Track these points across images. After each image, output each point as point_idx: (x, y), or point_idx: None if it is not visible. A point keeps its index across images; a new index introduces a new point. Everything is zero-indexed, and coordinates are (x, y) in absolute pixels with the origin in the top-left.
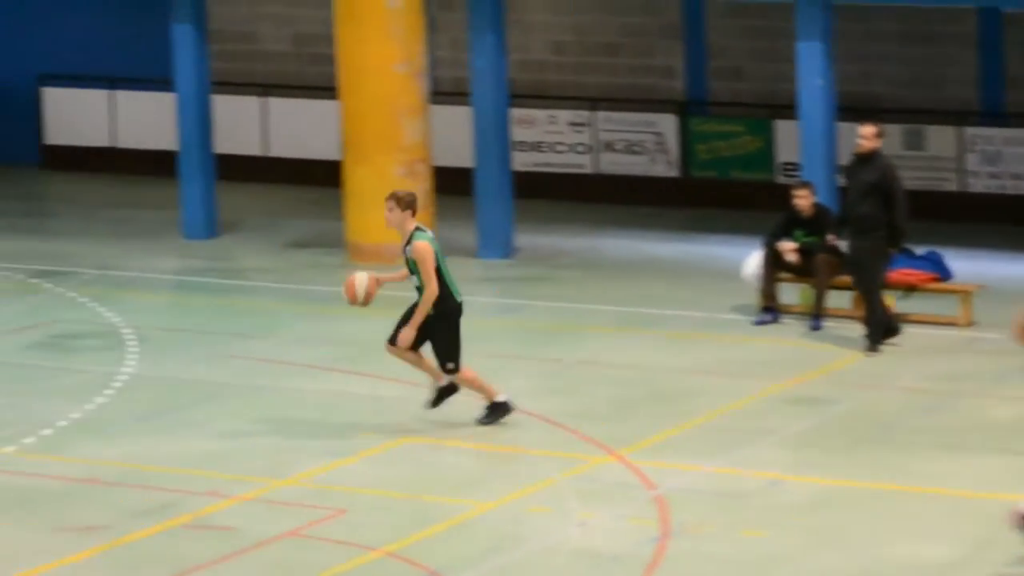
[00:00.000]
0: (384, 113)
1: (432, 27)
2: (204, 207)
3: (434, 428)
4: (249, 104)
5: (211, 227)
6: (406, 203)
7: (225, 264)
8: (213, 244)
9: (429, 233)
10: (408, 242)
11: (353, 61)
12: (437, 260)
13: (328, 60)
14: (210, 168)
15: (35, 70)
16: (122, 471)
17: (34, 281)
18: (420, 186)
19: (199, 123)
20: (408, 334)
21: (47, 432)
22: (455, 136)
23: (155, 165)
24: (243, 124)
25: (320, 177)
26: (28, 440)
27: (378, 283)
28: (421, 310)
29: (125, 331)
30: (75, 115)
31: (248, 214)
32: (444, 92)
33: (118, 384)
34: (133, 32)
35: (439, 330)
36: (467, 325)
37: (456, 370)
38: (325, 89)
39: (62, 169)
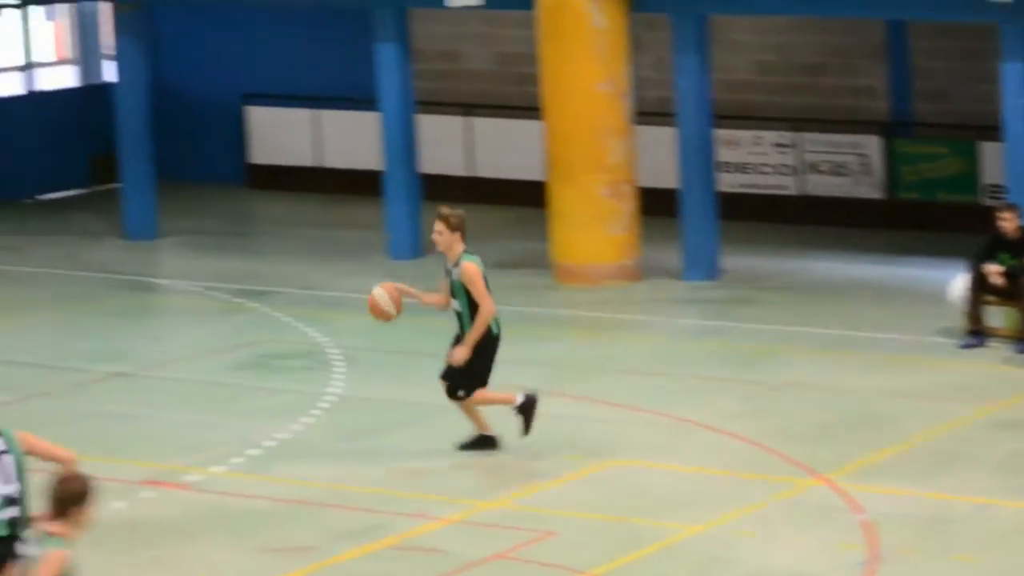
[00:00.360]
0: (588, 133)
1: (636, 47)
2: (409, 227)
3: (641, 450)
4: (453, 124)
5: (416, 247)
6: (455, 225)
7: (430, 285)
8: (418, 264)
9: (477, 256)
10: (455, 264)
11: (557, 81)
12: (485, 282)
13: (532, 80)
14: (415, 188)
15: (240, 89)
16: (329, 492)
17: (239, 301)
18: (625, 207)
19: (403, 143)
20: (463, 354)
21: (255, 452)
22: (660, 157)
23: (359, 185)
24: (447, 144)
25: (524, 197)
26: (236, 460)
27: (398, 289)
28: (478, 328)
29: (331, 351)
30: (279, 134)
31: None
32: (648, 112)
33: (325, 405)
34: (337, 52)
35: (472, 360)
36: (671, 347)
37: (465, 397)
38: (529, 109)
39: (266, 188)
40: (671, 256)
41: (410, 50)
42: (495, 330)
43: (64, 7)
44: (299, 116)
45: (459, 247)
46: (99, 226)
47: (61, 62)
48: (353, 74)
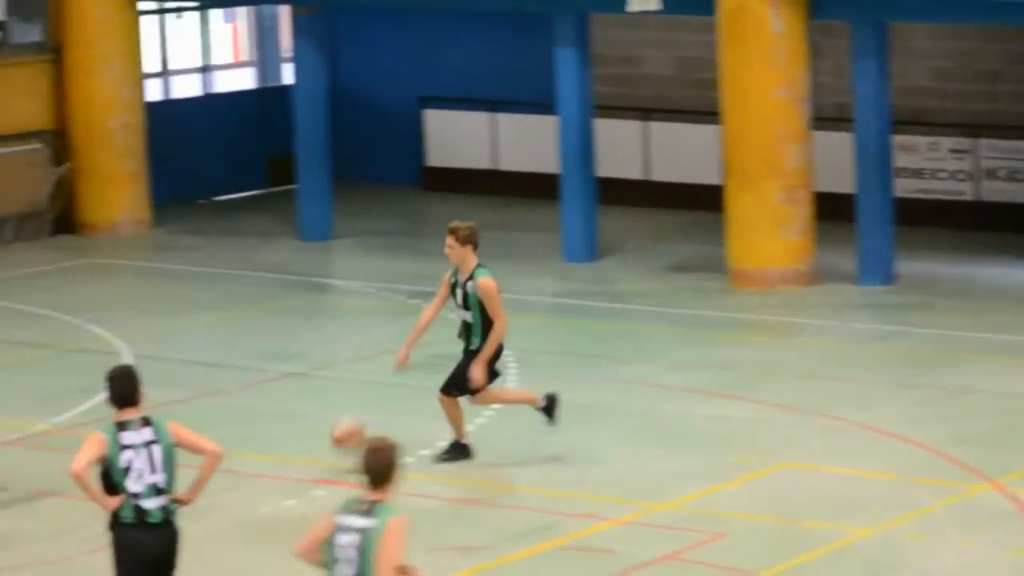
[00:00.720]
0: (766, 138)
1: (815, 53)
2: (585, 230)
3: (813, 453)
4: (630, 128)
5: (591, 250)
6: (464, 238)
7: (605, 287)
8: (593, 267)
9: (490, 271)
10: (469, 278)
11: (735, 86)
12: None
13: (710, 84)
14: (591, 191)
15: (417, 92)
16: (501, 492)
17: (413, 302)
18: (801, 212)
19: (581, 146)
20: (478, 373)
21: (426, 452)
22: (836, 162)
23: (535, 188)
24: (624, 148)
25: (701, 201)
26: (407, 460)
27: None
28: (492, 344)
29: (505, 353)
30: (456, 137)
31: (628, 238)
32: (825, 118)
33: (498, 406)
34: (515, 55)
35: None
36: (846, 351)
37: (460, 395)
38: (706, 113)
39: (442, 191)
40: (846, 261)
41: (589, 55)
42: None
43: (242, 10)
44: (476, 119)
45: (472, 260)
46: (275, 227)
47: (239, 64)
48: (531, 77)
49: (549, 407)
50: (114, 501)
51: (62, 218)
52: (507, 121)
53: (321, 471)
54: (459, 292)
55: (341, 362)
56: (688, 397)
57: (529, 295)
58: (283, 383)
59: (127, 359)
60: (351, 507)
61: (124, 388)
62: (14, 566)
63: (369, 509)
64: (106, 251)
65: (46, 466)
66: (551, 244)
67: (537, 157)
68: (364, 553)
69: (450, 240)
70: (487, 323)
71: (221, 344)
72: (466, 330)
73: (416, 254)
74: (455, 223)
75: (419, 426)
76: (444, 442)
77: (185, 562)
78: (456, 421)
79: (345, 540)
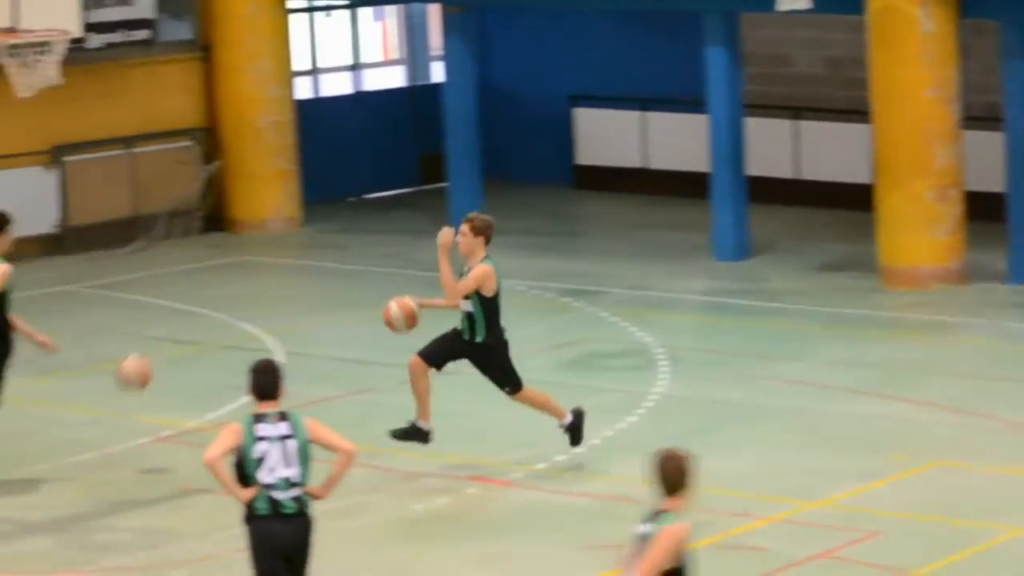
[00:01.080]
0: (916, 138)
1: (964, 52)
2: (735, 229)
3: (966, 452)
4: (780, 127)
5: (742, 249)
6: (479, 228)
7: (755, 286)
8: (743, 266)
9: (493, 262)
10: (471, 269)
11: (886, 85)
12: (497, 291)
13: (859, 84)
14: (741, 190)
15: (567, 91)
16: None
17: (565, 300)
18: (951, 211)
19: (731, 145)
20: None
21: (579, 450)
22: (986, 161)
23: (686, 186)
24: (774, 147)
25: (851, 200)
26: (559, 458)
27: (419, 304)
28: (439, 301)
29: (656, 351)
30: (606, 136)
31: (778, 236)
32: (975, 117)
33: (649, 404)
34: (665, 54)
35: (491, 364)
36: (998, 350)
37: (515, 391)
38: (856, 112)
39: (593, 189)
40: (996, 260)
41: (740, 53)
42: (504, 335)
43: (392, 8)
44: (626, 118)
45: (480, 253)
46: (425, 225)
47: (388, 63)
48: (681, 76)
49: (575, 425)
50: (248, 492)
51: (212, 215)
52: (658, 119)
53: (473, 469)
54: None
55: None
56: (839, 396)
57: (680, 293)
58: (434, 380)
59: (278, 356)
60: (648, 515)
61: (265, 381)
62: (166, 563)
63: (656, 516)
64: (256, 248)
65: (197, 463)
66: (701, 243)
67: (687, 156)
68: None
69: (464, 228)
70: (486, 310)
71: (372, 341)
72: (468, 321)
73: (566, 252)
74: (473, 214)
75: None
76: (596, 440)
77: (339, 560)
78: (542, 405)
79: (638, 547)
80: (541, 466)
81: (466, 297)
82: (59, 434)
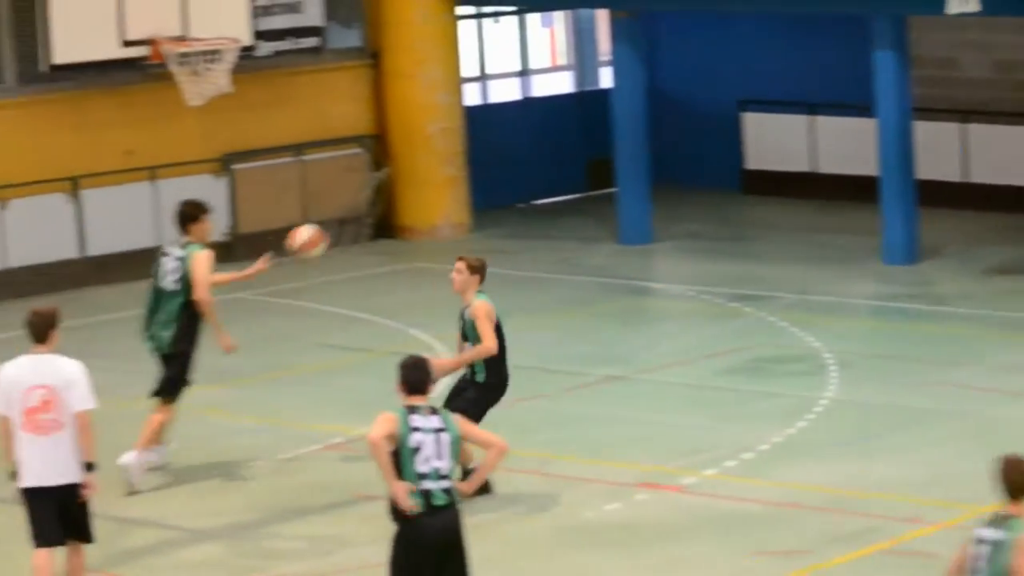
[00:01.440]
0: None
1: None
2: (904, 233)
3: None
4: (949, 130)
5: (911, 253)
6: (475, 268)
7: (925, 290)
8: (913, 270)
9: (487, 297)
10: (468, 306)
11: None
12: (498, 323)
13: None
14: (910, 194)
15: (736, 95)
16: (823, 496)
17: (734, 305)
18: None
19: (900, 149)
20: (446, 369)
21: (748, 456)
22: None
23: (854, 190)
24: (943, 150)
25: (1020, 203)
26: (729, 464)
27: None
28: (471, 355)
29: (825, 356)
30: (775, 140)
31: (948, 240)
32: None
33: (819, 409)
34: (833, 58)
35: (471, 398)
36: None
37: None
38: None
39: (761, 194)
40: None
41: (908, 57)
42: (507, 378)
43: (560, 13)
44: (795, 122)
45: (474, 289)
46: (594, 231)
47: (556, 68)
48: (849, 79)
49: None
50: (403, 486)
51: (381, 222)
52: (826, 123)
53: (644, 475)
54: (459, 323)
55: (662, 365)
56: (1009, 400)
57: (849, 298)
58: (604, 387)
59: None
60: (990, 520)
61: (415, 376)
62: (338, 570)
63: (1003, 521)
64: (425, 255)
65: (367, 470)
66: (870, 247)
67: (856, 159)
68: (992, 565)
69: (460, 265)
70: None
71: (542, 348)
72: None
73: (736, 257)
74: (468, 255)
75: (740, 429)
76: (765, 445)
77: (510, 567)
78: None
79: (978, 551)
80: (711, 471)
81: (467, 339)
82: (231, 441)
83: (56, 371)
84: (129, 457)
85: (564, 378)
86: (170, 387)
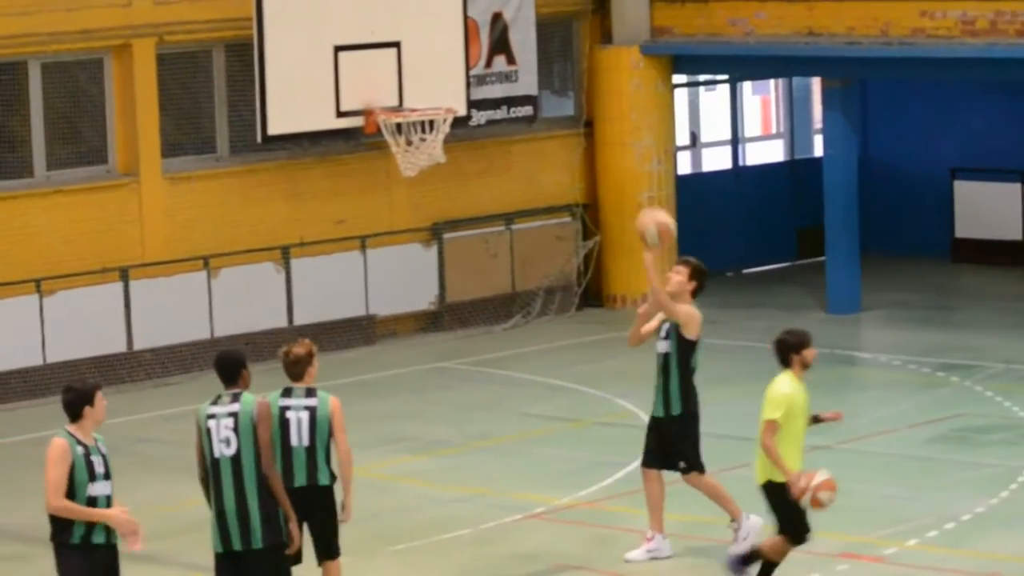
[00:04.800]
0: None
1: None
2: None
3: None
4: None
5: None
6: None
7: None
8: None
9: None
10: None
11: None
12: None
13: None
14: None
15: (947, 163)
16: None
17: (940, 375)
18: None
19: None
20: None
21: (950, 526)
22: None
23: None
24: None
25: None
26: (931, 534)
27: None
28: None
29: None
30: (986, 208)
31: None
32: None
33: (1023, 479)
34: None
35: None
36: None
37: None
38: None
39: (971, 262)
40: None
41: None
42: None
43: (774, 81)
44: (1007, 190)
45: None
46: (803, 299)
47: (768, 136)
48: None
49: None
50: None
51: (589, 291)
52: None
53: (845, 545)
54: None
55: (867, 435)
56: None
57: None
58: (808, 456)
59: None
60: None
61: None
62: None
63: None
64: (632, 324)
65: (568, 539)
66: None
67: None
68: None
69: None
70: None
71: (745, 418)
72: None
73: (944, 326)
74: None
75: (943, 499)
76: (968, 515)
77: None
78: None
79: None
80: (913, 542)
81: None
82: (433, 511)
83: None
84: None
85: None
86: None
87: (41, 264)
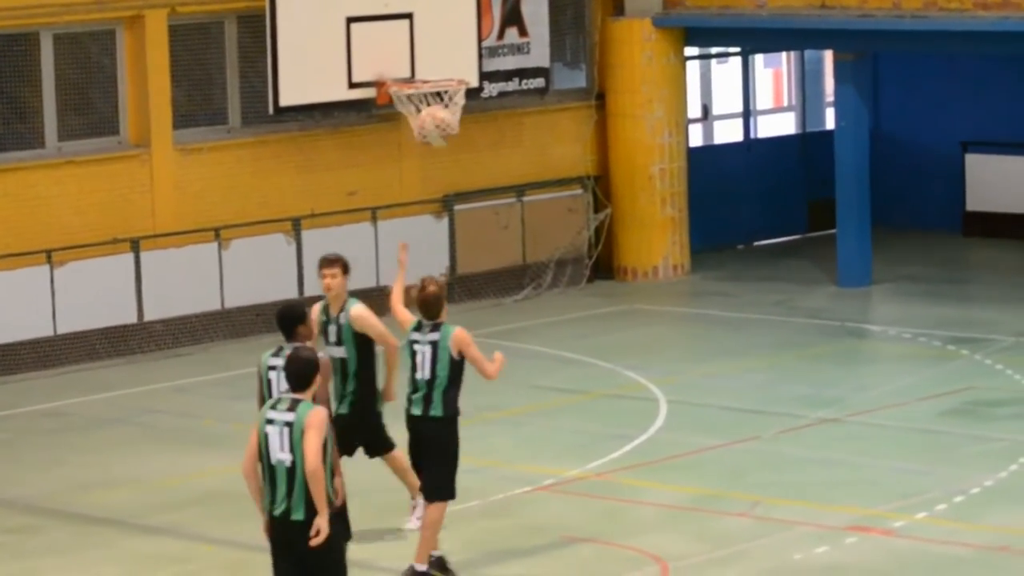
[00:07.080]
0: None
1: None
2: None
3: None
4: None
5: None
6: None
7: None
8: None
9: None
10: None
11: None
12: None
13: None
14: None
15: (959, 136)
16: None
17: (951, 348)
18: None
19: None
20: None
21: (959, 499)
22: None
23: None
24: None
25: None
26: (940, 507)
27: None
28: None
29: None
30: (998, 181)
31: None
32: None
33: None
34: None
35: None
36: None
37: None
38: None
39: (982, 236)
40: None
41: None
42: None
43: (786, 54)
44: (1018, 163)
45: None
46: (813, 272)
47: (780, 109)
48: None
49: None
50: None
51: (600, 263)
52: None
53: (855, 518)
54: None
55: (877, 408)
56: None
57: None
58: (818, 429)
59: (662, 405)
60: None
61: None
62: None
63: None
64: (644, 296)
65: (578, 512)
66: None
67: None
68: None
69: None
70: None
71: (756, 390)
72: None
73: (954, 300)
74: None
75: (952, 473)
76: (977, 489)
77: None
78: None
79: None
80: (921, 515)
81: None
82: None
83: None
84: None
85: (779, 420)
86: None
87: (52, 235)
